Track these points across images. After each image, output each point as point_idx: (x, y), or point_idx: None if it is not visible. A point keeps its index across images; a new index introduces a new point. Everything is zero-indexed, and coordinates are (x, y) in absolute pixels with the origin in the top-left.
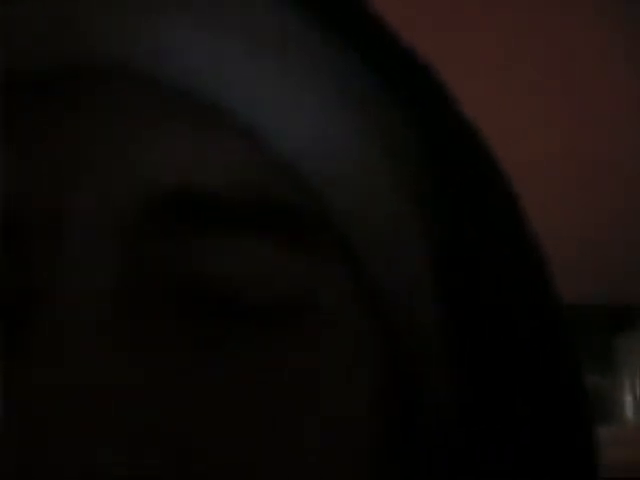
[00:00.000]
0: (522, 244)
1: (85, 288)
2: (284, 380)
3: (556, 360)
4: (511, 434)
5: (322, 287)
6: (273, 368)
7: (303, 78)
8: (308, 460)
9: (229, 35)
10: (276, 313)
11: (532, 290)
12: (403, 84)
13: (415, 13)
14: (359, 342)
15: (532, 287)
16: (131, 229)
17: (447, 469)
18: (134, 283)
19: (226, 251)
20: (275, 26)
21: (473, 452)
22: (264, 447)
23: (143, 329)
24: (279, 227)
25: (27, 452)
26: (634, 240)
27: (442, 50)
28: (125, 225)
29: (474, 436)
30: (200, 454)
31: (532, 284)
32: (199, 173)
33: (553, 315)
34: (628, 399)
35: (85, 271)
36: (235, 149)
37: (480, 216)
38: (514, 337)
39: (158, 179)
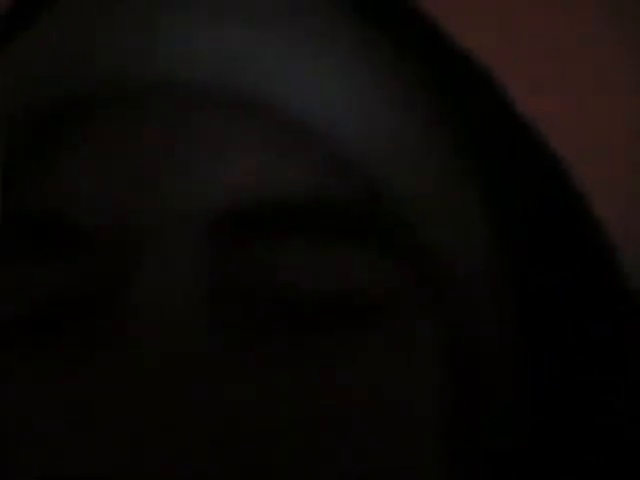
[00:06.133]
0: (588, 236)
1: (164, 301)
2: (350, 379)
3: (628, 360)
4: (577, 441)
5: (388, 288)
6: (339, 368)
7: (362, 77)
8: (373, 455)
9: (293, 42)
10: (343, 314)
11: (602, 287)
12: (450, 76)
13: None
14: (423, 342)
15: (602, 282)
16: (208, 241)
17: (508, 467)
18: (214, 296)
19: (304, 258)
20: (332, 29)
21: (535, 454)
22: (328, 442)
23: (223, 334)
24: (352, 231)
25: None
26: None
27: None
28: (202, 238)
29: (537, 437)
30: (264, 451)
31: (602, 279)
32: (276, 184)
33: (625, 308)
34: None
35: (164, 284)
36: (308, 156)
37: (543, 208)
38: (583, 334)
39: (236, 191)
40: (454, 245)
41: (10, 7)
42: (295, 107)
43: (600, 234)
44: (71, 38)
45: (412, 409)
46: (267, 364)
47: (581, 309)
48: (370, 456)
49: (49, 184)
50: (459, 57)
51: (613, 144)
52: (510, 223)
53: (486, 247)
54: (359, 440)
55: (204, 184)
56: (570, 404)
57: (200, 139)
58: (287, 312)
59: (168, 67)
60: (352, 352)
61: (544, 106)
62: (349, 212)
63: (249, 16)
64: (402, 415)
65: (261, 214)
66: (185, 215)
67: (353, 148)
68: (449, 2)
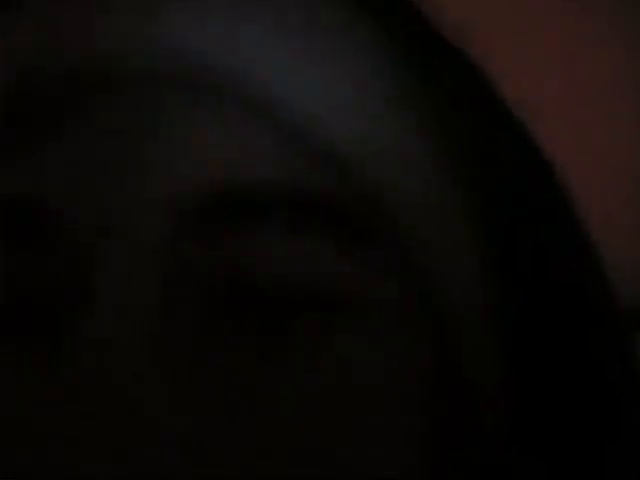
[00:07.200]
0: (570, 230)
1: (129, 301)
2: (333, 375)
3: (610, 355)
4: (561, 438)
5: (370, 281)
6: (322, 365)
7: (347, 68)
8: (359, 451)
9: (282, 29)
10: (324, 308)
11: (585, 279)
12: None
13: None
14: (407, 336)
15: (586, 277)
16: (175, 230)
17: (497, 469)
18: (180, 287)
19: (274, 249)
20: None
21: (522, 456)
22: (312, 440)
23: (192, 336)
24: (327, 222)
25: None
26: None
27: None
28: (168, 228)
29: (523, 440)
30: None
31: (586, 274)
32: (246, 169)
33: (606, 304)
34: None
35: (128, 281)
36: (282, 143)
37: (527, 200)
38: (566, 329)
39: (204, 177)
40: (434, 244)
41: None
42: (276, 96)
43: (583, 233)
44: (67, 16)
45: (386, 406)
46: (229, 357)
47: (567, 317)
48: (351, 447)
49: (22, 168)
50: (459, 62)
51: (613, 151)
52: (499, 236)
53: (473, 257)
54: (324, 434)
55: (172, 172)
56: (555, 408)
57: (173, 126)
58: (252, 302)
59: (162, 54)
60: (319, 345)
61: (545, 100)
62: (324, 204)
63: (227, 4)
64: (375, 407)
65: (229, 204)
66: (151, 204)
67: (341, 145)
68: (450, 3)
